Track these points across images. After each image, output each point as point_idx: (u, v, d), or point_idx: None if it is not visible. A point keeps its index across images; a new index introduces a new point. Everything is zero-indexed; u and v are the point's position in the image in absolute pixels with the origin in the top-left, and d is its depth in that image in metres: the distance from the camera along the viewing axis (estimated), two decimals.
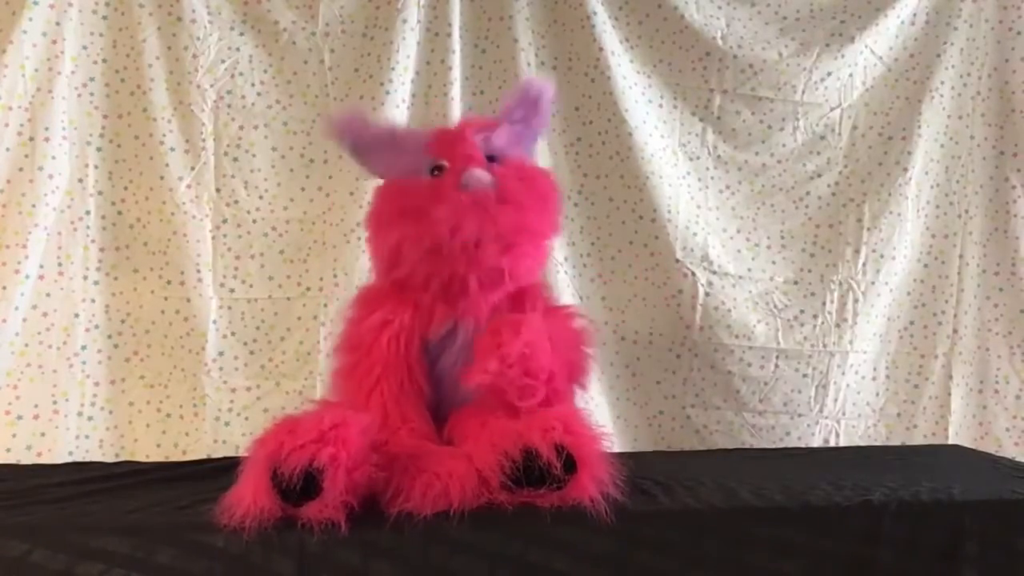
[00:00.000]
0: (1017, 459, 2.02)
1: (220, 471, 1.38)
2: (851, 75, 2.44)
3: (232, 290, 2.26)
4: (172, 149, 2.22)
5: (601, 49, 2.33)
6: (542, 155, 2.34)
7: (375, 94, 2.26)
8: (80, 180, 2.18)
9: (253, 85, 2.27)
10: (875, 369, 2.48)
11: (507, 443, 1.35)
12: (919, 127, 2.44)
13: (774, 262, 2.45)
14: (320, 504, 1.26)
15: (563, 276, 2.36)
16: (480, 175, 1.55)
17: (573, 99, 2.39)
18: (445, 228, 1.49)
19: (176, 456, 2.18)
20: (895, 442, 2.46)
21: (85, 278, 2.20)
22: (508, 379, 1.45)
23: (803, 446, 2.40)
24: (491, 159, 1.60)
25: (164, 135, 2.22)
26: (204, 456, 2.14)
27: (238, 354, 2.26)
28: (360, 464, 1.31)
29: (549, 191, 1.68)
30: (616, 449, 2.28)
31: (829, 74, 2.43)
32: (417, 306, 1.60)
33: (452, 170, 1.58)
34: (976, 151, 2.47)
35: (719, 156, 2.45)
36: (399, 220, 1.58)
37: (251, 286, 2.27)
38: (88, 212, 2.20)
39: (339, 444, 1.28)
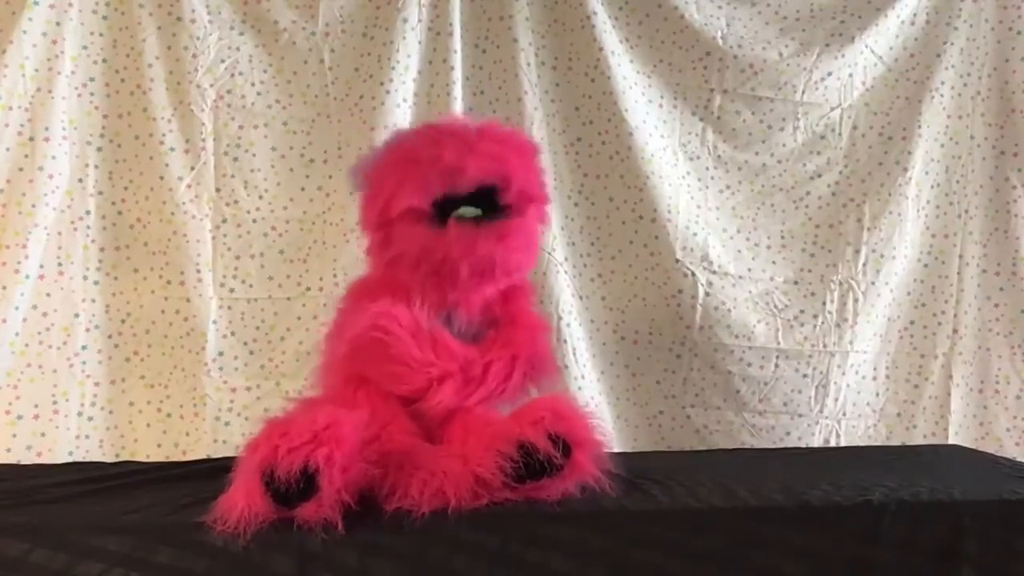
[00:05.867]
0: (1018, 459, 2.02)
1: (220, 471, 1.37)
2: (851, 75, 2.44)
3: (232, 290, 2.26)
4: (172, 149, 2.22)
5: (601, 49, 2.33)
6: (542, 155, 2.34)
7: (375, 94, 2.26)
8: (80, 180, 2.19)
9: (253, 85, 2.27)
10: (875, 369, 2.48)
11: (501, 443, 1.35)
12: (919, 127, 2.44)
13: (774, 262, 2.45)
14: (316, 504, 1.26)
15: (563, 276, 2.36)
16: (462, 120, 1.62)
17: (573, 99, 2.38)
18: (425, 152, 1.54)
19: (176, 456, 2.18)
20: (895, 442, 2.45)
21: (85, 278, 2.20)
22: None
23: (803, 446, 2.39)
24: None
25: (164, 135, 2.22)
26: (204, 456, 2.13)
27: (238, 354, 2.26)
28: (355, 462, 1.31)
29: (532, 150, 1.70)
30: (616, 449, 2.31)
31: (829, 74, 2.43)
32: (410, 299, 1.59)
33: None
34: (976, 151, 2.46)
35: (719, 156, 2.44)
36: (387, 176, 1.60)
37: (251, 286, 2.27)
38: (88, 212, 2.20)
39: (333, 443, 1.28)
